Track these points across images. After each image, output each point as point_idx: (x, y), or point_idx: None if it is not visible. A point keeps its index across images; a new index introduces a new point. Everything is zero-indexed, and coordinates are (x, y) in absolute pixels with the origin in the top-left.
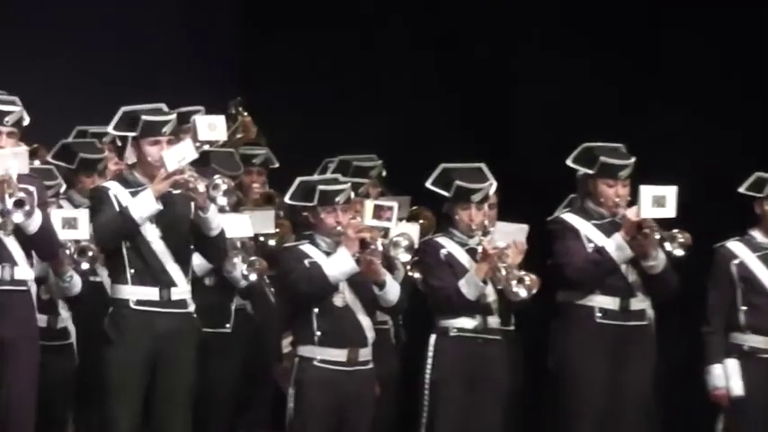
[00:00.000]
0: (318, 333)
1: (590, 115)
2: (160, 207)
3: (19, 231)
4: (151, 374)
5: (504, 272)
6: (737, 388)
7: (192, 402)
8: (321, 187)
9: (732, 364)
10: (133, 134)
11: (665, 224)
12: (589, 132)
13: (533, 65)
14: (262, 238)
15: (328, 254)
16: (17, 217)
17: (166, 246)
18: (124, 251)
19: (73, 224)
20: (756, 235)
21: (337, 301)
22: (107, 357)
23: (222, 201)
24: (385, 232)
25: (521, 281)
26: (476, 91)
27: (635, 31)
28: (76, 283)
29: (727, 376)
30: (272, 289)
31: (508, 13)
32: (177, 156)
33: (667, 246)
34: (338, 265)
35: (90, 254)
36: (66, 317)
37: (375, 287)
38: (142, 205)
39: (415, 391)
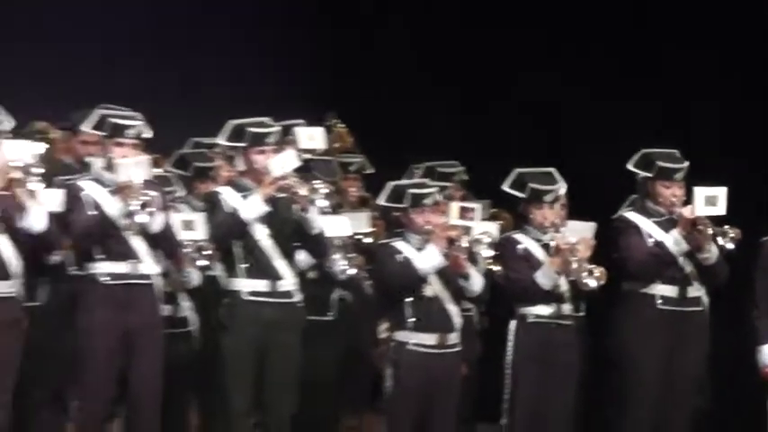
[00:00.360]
0: (411, 320)
1: (641, 128)
2: (267, 209)
3: (144, 231)
4: (261, 358)
5: (575, 265)
6: None
7: (298, 383)
8: (411, 191)
9: None
10: (242, 144)
11: (716, 221)
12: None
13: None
14: (358, 237)
15: (419, 250)
16: (141, 218)
17: (274, 243)
18: (237, 249)
19: (191, 226)
20: None
21: (427, 291)
22: (222, 343)
23: (322, 203)
24: (468, 230)
25: (590, 273)
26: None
27: None
28: (195, 277)
29: None
30: (369, 281)
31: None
32: (281, 163)
33: (719, 240)
34: (427, 259)
35: (207, 252)
36: (186, 307)
37: (460, 279)
38: (251, 207)
39: (494, 370)
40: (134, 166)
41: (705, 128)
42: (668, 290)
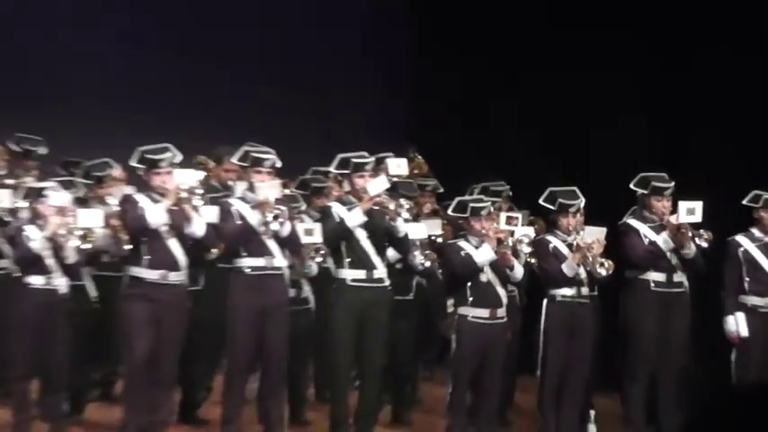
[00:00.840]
0: (471, 299)
1: (641, 154)
2: (365, 218)
3: (276, 236)
4: (360, 328)
5: (590, 258)
6: (744, 331)
7: (387, 345)
8: (471, 204)
9: (740, 316)
10: (347, 171)
11: (695, 226)
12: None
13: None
14: (432, 238)
15: (476, 247)
16: (274, 226)
17: (370, 243)
18: (343, 247)
19: (310, 232)
20: (755, 231)
21: (483, 278)
22: (331, 317)
23: (405, 214)
24: (512, 233)
25: (602, 264)
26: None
27: None
28: (313, 269)
29: (737, 324)
30: (439, 270)
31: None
32: (376, 185)
33: (697, 240)
34: (483, 254)
35: (321, 250)
36: (306, 290)
37: (507, 269)
38: (354, 217)
39: (531, 336)
40: (269, 188)
41: (690, 156)
42: (659, 276)
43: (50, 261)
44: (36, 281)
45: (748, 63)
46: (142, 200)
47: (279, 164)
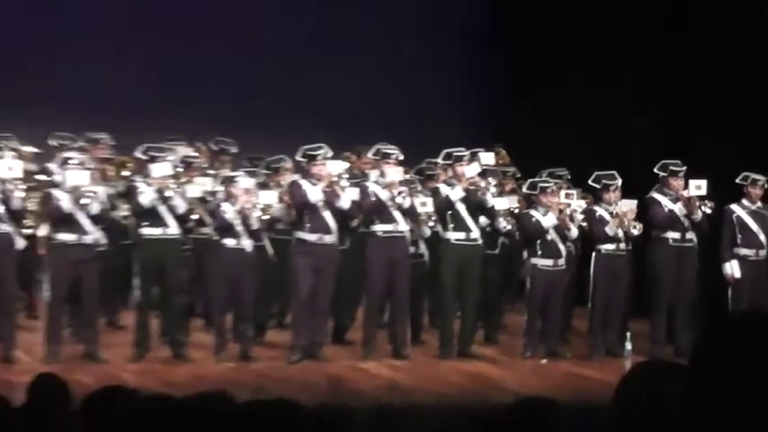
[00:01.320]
0: (539, 252)
1: (679, 139)
2: (463, 194)
3: (400, 208)
4: (461, 275)
5: (626, 222)
6: (737, 274)
7: (479, 286)
8: (540, 184)
9: (734, 263)
10: (449, 162)
11: (701, 198)
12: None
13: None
14: (512, 209)
15: (543, 215)
16: (398, 201)
17: (467, 213)
18: (447, 216)
19: (425, 205)
20: (744, 202)
21: (548, 237)
22: (440, 267)
23: (493, 190)
24: (570, 205)
25: (635, 227)
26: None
27: None
28: (427, 232)
29: (732, 269)
30: (517, 232)
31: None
32: (471, 170)
33: (703, 208)
34: (548, 220)
35: (432, 218)
36: (422, 248)
37: (565, 231)
38: (455, 194)
39: (584, 280)
40: (395, 173)
41: (700, 149)
42: (675, 235)
43: (240, 228)
44: (229, 242)
45: (747, 64)
46: (305, 183)
47: (401, 157)
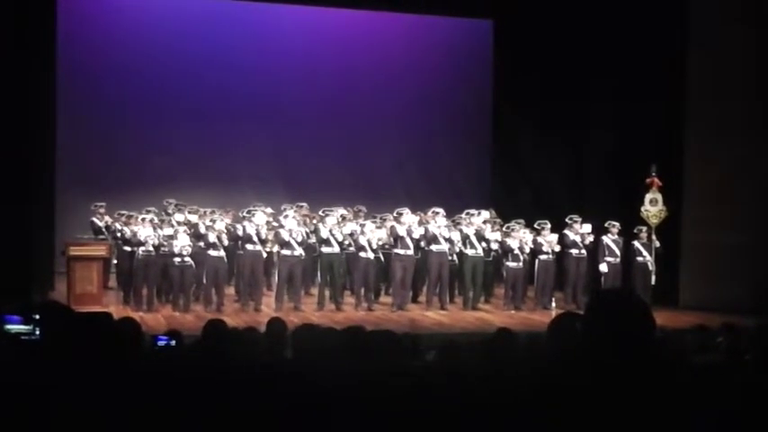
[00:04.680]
0: (511, 259)
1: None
2: (475, 231)
3: None
4: (475, 273)
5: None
6: (605, 270)
7: (483, 277)
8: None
9: (604, 265)
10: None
11: (589, 233)
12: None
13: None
14: (497, 239)
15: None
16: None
17: (476, 240)
18: (467, 242)
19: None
20: (609, 233)
21: (515, 252)
22: (464, 269)
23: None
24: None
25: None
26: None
27: None
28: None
29: (603, 268)
30: (500, 251)
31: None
32: (479, 219)
33: (589, 238)
34: (515, 244)
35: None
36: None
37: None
38: (470, 231)
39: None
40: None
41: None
42: (576, 251)
43: None
44: None
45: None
46: None
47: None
